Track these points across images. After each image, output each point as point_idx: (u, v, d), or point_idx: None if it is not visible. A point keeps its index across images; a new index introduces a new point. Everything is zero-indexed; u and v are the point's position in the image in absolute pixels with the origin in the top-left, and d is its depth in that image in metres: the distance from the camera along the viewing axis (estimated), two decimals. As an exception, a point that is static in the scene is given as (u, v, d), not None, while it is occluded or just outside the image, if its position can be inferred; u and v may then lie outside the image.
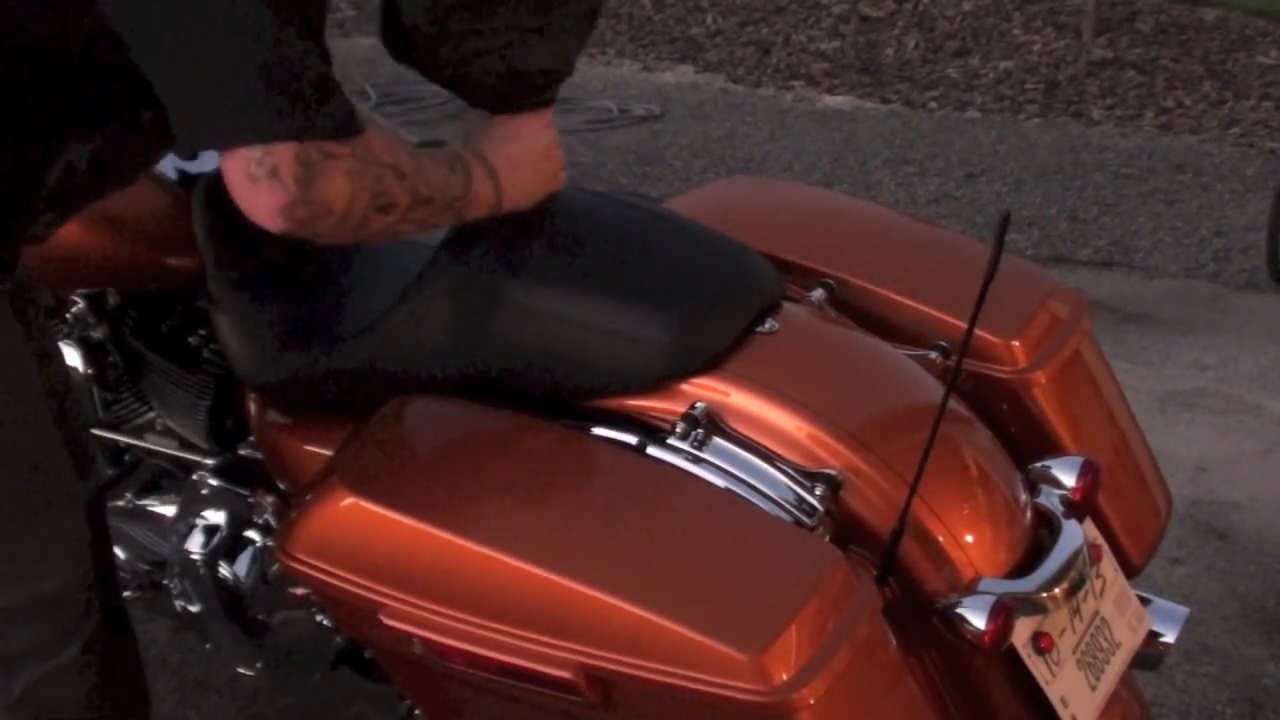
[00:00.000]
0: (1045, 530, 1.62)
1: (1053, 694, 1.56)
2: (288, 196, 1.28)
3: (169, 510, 2.04)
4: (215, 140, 1.28)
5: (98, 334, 2.05)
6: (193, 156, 1.68)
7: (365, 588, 1.48)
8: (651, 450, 1.56)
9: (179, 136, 1.30)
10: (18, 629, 1.60)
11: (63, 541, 1.64)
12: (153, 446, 2.08)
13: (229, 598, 1.95)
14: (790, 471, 1.54)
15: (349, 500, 1.51)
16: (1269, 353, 3.82)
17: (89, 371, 2.06)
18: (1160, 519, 1.89)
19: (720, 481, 1.53)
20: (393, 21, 1.53)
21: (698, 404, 1.57)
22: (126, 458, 2.12)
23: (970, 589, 1.51)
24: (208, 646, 2.05)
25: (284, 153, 1.27)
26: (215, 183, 1.89)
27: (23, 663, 1.61)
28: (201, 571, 1.95)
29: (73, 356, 2.03)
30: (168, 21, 1.24)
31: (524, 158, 1.58)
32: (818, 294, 1.81)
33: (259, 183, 1.27)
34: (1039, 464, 1.68)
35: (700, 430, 1.55)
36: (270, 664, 1.99)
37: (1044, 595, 1.53)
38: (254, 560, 1.94)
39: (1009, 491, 1.62)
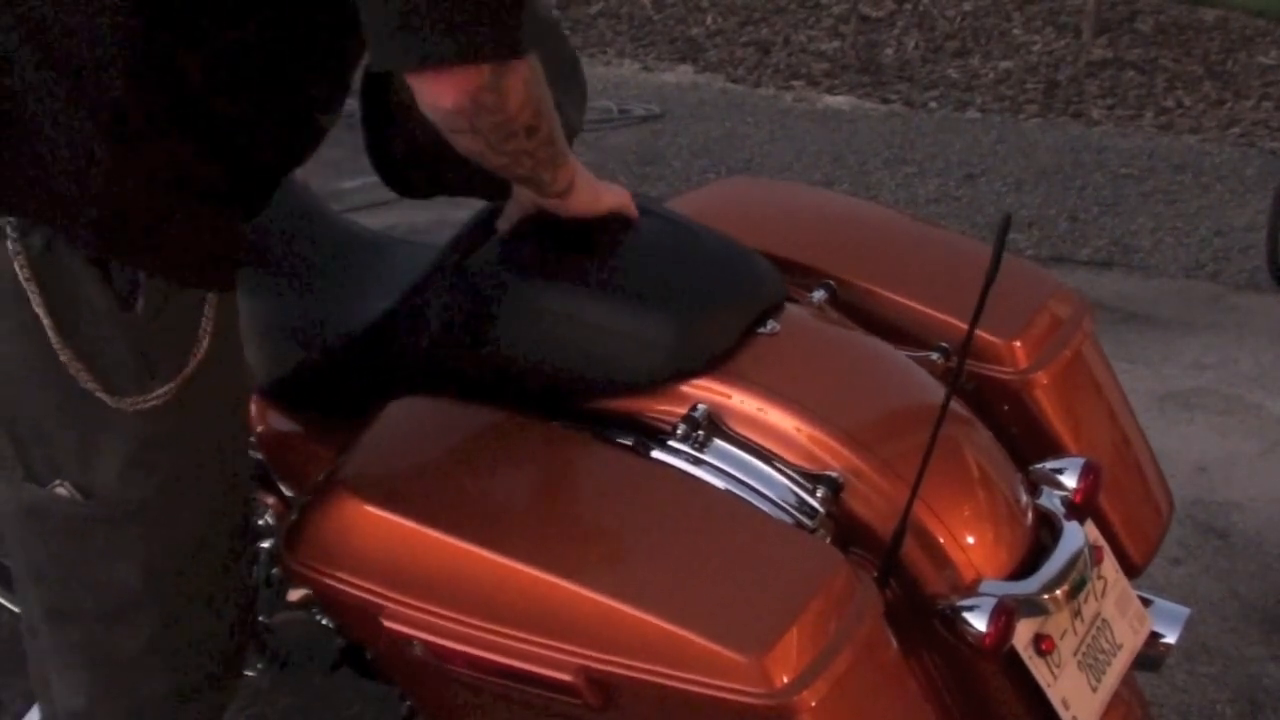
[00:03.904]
0: (1046, 531, 1.62)
1: (1054, 696, 1.56)
2: (481, 80, 1.32)
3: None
4: (425, 60, 1.31)
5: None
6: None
7: (366, 590, 1.48)
8: (652, 452, 1.56)
9: (382, 53, 1.33)
10: (197, 662, 1.58)
11: (242, 572, 1.63)
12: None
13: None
14: (791, 473, 1.54)
15: (350, 502, 1.51)
16: (1269, 353, 3.82)
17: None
18: (1161, 519, 1.89)
19: (721, 483, 1.53)
20: (384, 158, 1.59)
21: (699, 405, 1.56)
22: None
23: (971, 591, 1.51)
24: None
25: None
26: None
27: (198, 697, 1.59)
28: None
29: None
30: None
31: (586, 176, 1.64)
32: (819, 295, 1.81)
33: (454, 65, 1.31)
34: (1040, 465, 1.68)
35: (701, 432, 1.55)
36: (270, 664, 1.98)
37: (1045, 597, 1.53)
38: (255, 562, 1.94)
39: (1010, 493, 1.62)
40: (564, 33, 1.76)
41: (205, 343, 1.44)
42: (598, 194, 1.65)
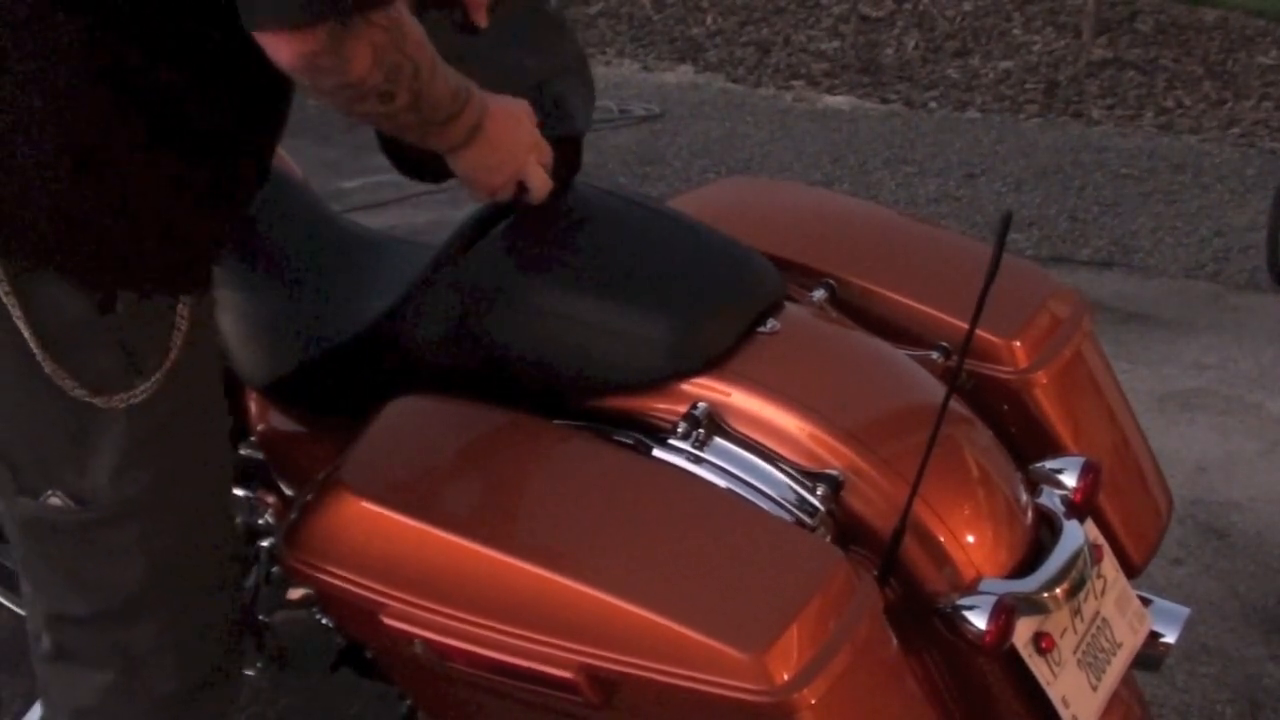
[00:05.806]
0: (1046, 530, 1.62)
1: (1054, 694, 1.56)
2: (316, 44, 1.28)
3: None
4: (274, 20, 1.27)
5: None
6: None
7: (366, 587, 1.48)
8: (653, 450, 1.56)
9: (244, 11, 1.28)
10: (205, 654, 1.59)
11: (235, 565, 1.63)
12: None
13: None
14: (791, 471, 1.54)
15: (350, 500, 1.51)
16: (1269, 353, 3.82)
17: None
18: (1161, 519, 1.89)
19: (721, 481, 1.53)
20: (393, 142, 1.54)
21: (699, 404, 1.56)
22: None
23: (971, 589, 1.51)
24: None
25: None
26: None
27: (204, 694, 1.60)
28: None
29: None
30: None
31: (516, 121, 1.56)
32: (819, 294, 1.81)
33: (289, 28, 1.27)
34: (1040, 464, 1.68)
35: (701, 430, 1.55)
36: (270, 664, 1.98)
37: (1045, 595, 1.53)
38: (255, 561, 1.94)
39: (1010, 492, 1.62)
40: (572, 30, 1.75)
41: (184, 331, 1.44)
42: (507, 143, 1.53)
